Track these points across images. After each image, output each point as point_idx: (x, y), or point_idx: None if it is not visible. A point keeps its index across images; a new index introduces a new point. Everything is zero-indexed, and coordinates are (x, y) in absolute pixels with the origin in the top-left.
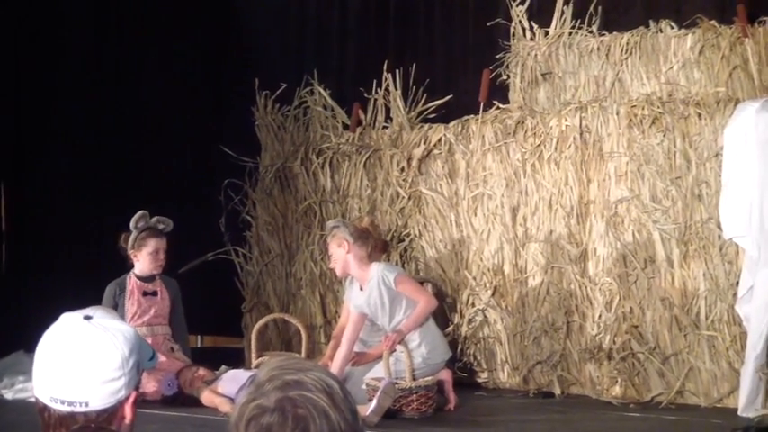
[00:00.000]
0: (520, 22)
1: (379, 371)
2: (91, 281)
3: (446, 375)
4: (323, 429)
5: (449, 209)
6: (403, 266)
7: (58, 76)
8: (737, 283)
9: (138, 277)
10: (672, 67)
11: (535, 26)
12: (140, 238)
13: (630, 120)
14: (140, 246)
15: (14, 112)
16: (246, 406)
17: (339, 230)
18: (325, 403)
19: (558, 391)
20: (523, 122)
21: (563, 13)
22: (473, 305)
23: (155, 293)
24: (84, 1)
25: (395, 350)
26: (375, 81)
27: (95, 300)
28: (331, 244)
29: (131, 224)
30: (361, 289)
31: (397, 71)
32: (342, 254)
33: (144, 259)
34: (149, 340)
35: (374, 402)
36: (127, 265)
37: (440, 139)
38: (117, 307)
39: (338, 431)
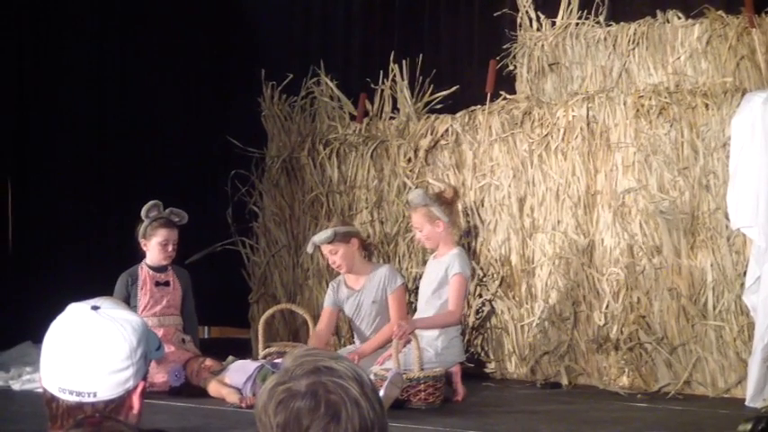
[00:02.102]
0: (526, 12)
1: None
2: (97, 272)
3: (455, 367)
4: (353, 417)
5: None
6: (410, 257)
7: (63, 71)
8: (745, 273)
9: (150, 267)
10: (679, 58)
11: (542, 16)
12: (151, 228)
13: (638, 110)
14: (150, 235)
15: (19, 105)
16: (275, 389)
17: (433, 208)
18: (357, 392)
19: (565, 381)
20: (530, 113)
21: (570, 3)
22: (480, 296)
23: (167, 284)
24: None
25: (409, 341)
26: (382, 71)
27: (101, 291)
28: (421, 217)
29: (142, 213)
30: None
31: (404, 61)
32: (436, 231)
33: (153, 249)
34: (160, 331)
35: (381, 392)
36: (137, 256)
37: (447, 130)
38: (129, 297)
39: (367, 420)
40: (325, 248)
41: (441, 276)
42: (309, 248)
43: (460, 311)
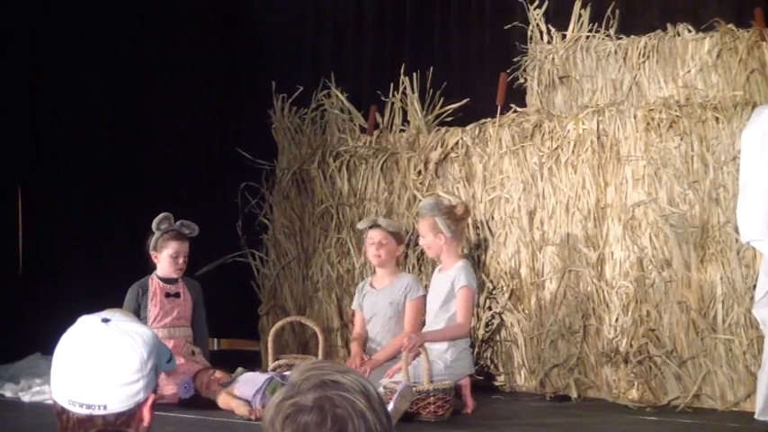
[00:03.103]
0: (537, 25)
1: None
2: (107, 283)
3: (464, 380)
4: (360, 431)
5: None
6: (420, 270)
7: (73, 81)
8: (755, 286)
9: (161, 279)
10: (689, 71)
11: (552, 29)
12: (162, 240)
13: (648, 123)
14: (161, 248)
15: (29, 115)
16: (282, 404)
17: (439, 220)
18: (363, 405)
19: (574, 394)
20: (540, 126)
21: (580, 16)
22: (490, 308)
23: (177, 295)
24: (98, 4)
25: (419, 353)
26: (392, 84)
27: (111, 302)
28: (426, 226)
29: (153, 225)
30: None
31: (414, 74)
32: (437, 243)
33: (164, 261)
34: (170, 343)
35: (391, 405)
36: (147, 268)
37: (457, 143)
38: (140, 308)
39: None
40: (379, 235)
41: (447, 290)
42: (363, 224)
43: (469, 324)
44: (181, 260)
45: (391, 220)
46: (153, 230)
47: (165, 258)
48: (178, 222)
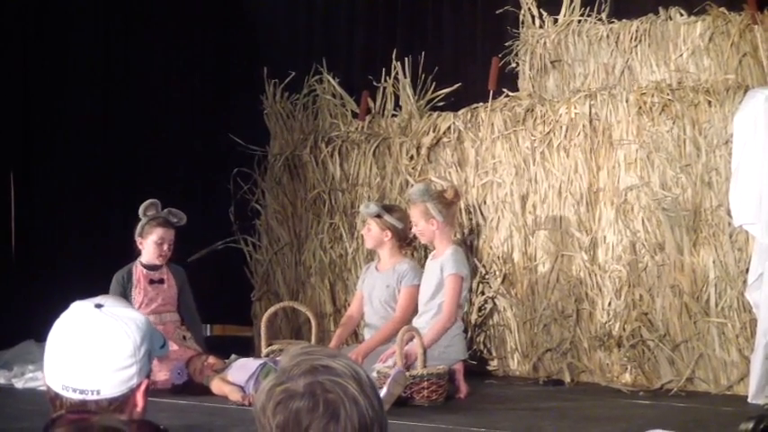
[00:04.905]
0: (529, 9)
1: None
2: (99, 270)
3: (457, 365)
4: (352, 415)
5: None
6: (412, 255)
7: (66, 69)
8: (747, 270)
9: (144, 266)
10: (681, 55)
11: (544, 14)
12: (148, 226)
13: (640, 107)
14: (147, 234)
15: (22, 102)
16: (273, 390)
17: (430, 205)
18: (355, 390)
19: (567, 378)
20: (533, 110)
21: (572, 0)
22: (483, 293)
23: (161, 281)
24: None
25: (412, 338)
26: (384, 69)
27: (104, 289)
28: (418, 213)
29: (140, 211)
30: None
31: (406, 59)
32: (430, 228)
33: (148, 247)
34: (160, 329)
35: (384, 390)
36: (133, 254)
37: (449, 128)
38: (126, 295)
39: (366, 418)
40: (369, 219)
41: (438, 277)
42: (363, 208)
43: (454, 313)
44: (165, 247)
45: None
46: (140, 216)
47: (150, 244)
48: (165, 210)
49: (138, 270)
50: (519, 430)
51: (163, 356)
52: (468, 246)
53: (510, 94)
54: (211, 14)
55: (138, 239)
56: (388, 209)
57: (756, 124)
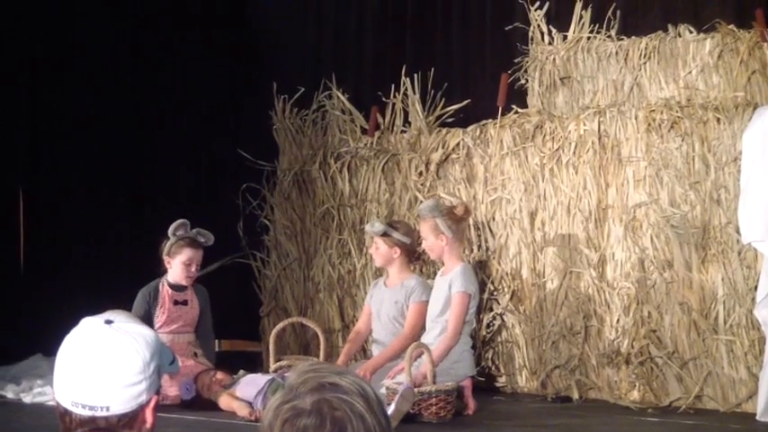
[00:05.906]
0: (538, 26)
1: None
2: (108, 284)
3: (466, 381)
4: None
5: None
6: (421, 271)
7: (74, 81)
8: (756, 287)
9: (171, 285)
10: (690, 72)
11: (553, 30)
12: (176, 246)
13: (649, 124)
14: (174, 254)
15: (30, 115)
16: (281, 408)
17: (439, 221)
18: (362, 407)
19: (576, 395)
20: (542, 127)
21: (581, 17)
22: (491, 309)
23: (185, 302)
24: (99, 4)
25: (421, 353)
26: (393, 85)
27: (113, 302)
28: (427, 228)
29: (170, 231)
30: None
31: (416, 75)
32: (439, 244)
33: (176, 268)
34: (172, 347)
35: (392, 406)
36: (148, 269)
37: (458, 144)
38: (151, 312)
39: None
40: (376, 238)
41: (446, 295)
42: (369, 227)
43: (458, 331)
44: (193, 268)
45: (381, 225)
46: (168, 236)
47: (178, 265)
48: (194, 230)
49: (164, 289)
50: None
51: (174, 373)
52: (477, 262)
53: (519, 110)
54: (221, 30)
55: (165, 258)
56: (394, 225)
57: (765, 141)
